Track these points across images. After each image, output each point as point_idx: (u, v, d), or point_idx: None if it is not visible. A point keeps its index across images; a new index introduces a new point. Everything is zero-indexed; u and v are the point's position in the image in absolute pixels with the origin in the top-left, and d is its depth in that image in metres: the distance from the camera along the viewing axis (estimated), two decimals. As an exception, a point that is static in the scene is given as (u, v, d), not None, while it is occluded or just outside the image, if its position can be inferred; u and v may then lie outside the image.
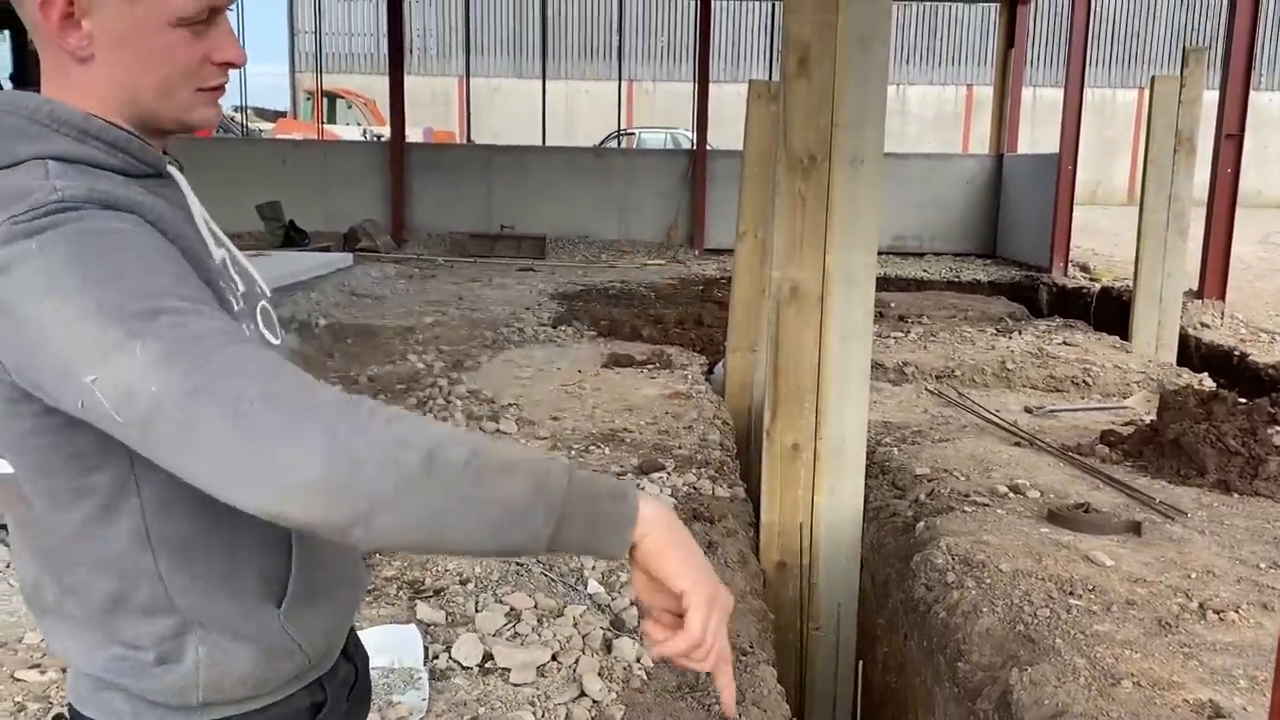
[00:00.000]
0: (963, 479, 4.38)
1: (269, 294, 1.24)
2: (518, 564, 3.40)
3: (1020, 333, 8.37)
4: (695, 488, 4.33)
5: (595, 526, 0.94)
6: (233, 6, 1.10)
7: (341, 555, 1.22)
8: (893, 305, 9.87)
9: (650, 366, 6.76)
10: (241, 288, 1.15)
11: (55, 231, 0.91)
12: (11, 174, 0.97)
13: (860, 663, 3.95)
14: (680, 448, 4.90)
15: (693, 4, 16.21)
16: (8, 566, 3.27)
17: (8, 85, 8.14)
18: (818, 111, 3.88)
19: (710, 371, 7.16)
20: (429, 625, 2.93)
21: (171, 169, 1.12)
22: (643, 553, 0.96)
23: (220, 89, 1.10)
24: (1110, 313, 10.11)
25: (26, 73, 8.02)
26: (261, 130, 23.85)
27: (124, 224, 0.94)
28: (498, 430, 5.10)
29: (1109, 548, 3.56)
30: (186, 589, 1.05)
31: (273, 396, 0.85)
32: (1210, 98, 8.39)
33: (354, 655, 1.31)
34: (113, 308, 0.87)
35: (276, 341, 1.19)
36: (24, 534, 1.09)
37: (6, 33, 8.20)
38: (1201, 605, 3.11)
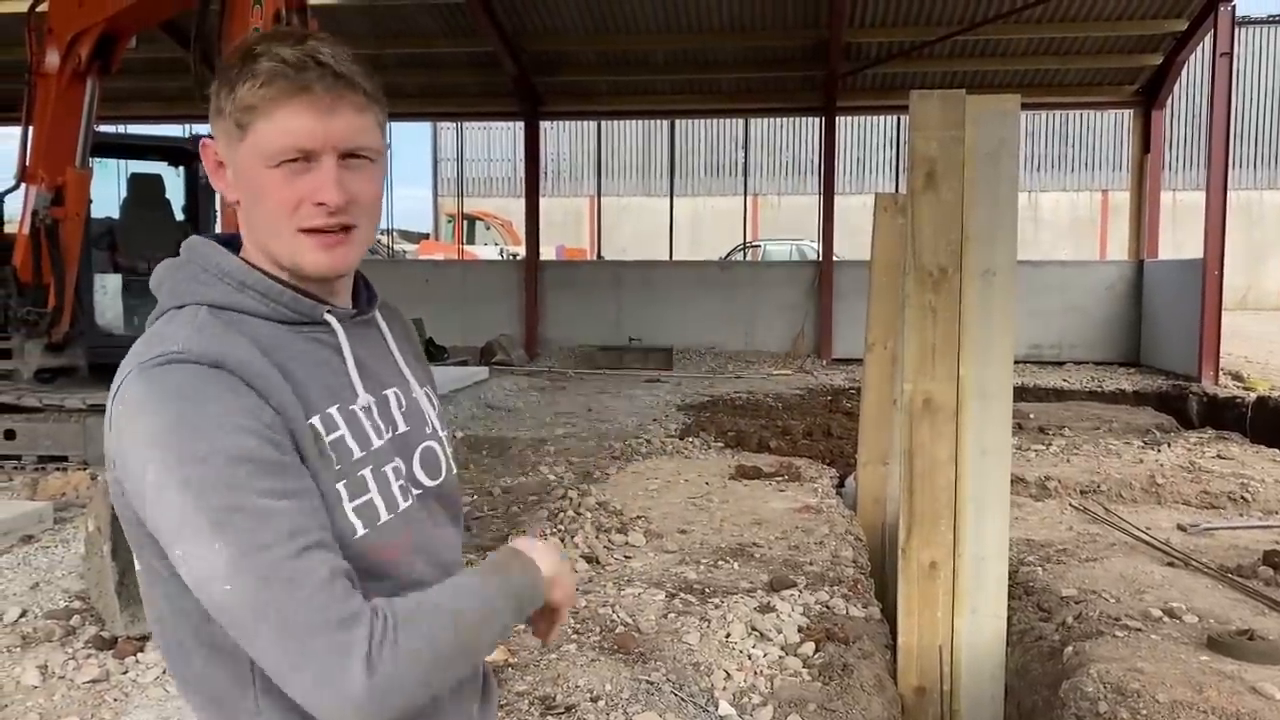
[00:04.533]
0: (1112, 601, 4.16)
1: (440, 432, 1.32)
2: (648, 682, 3.37)
3: (1170, 445, 7.96)
4: (828, 606, 4.23)
5: (532, 606, 1.22)
6: (360, 153, 1.16)
7: (449, 701, 1.24)
8: (1032, 416, 9.55)
9: (779, 479, 6.70)
10: (403, 428, 1.25)
11: (162, 384, 1.06)
12: (179, 314, 1.15)
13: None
14: (811, 564, 4.82)
15: (818, 122, 16.51)
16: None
17: (180, 217, 8.84)
18: (946, 225, 3.89)
19: (841, 485, 7.04)
20: (560, 742, 2.93)
21: (330, 318, 1.21)
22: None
23: (325, 232, 1.15)
24: (1268, 423, 9.56)
25: (198, 208, 8.70)
26: (406, 251, 25.15)
27: (223, 387, 1.06)
28: (626, 543, 5.12)
29: (1279, 679, 3.30)
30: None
31: (314, 626, 1.00)
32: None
33: None
34: (199, 491, 1.01)
35: (432, 483, 1.27)
36: None
37: (181, 169, 8.95)
38: (1391, 747, 2.84)
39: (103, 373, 7.98)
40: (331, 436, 1.14)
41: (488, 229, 26.64)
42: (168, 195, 8.85)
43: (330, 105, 1.12)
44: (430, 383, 1.38)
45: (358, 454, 1.16)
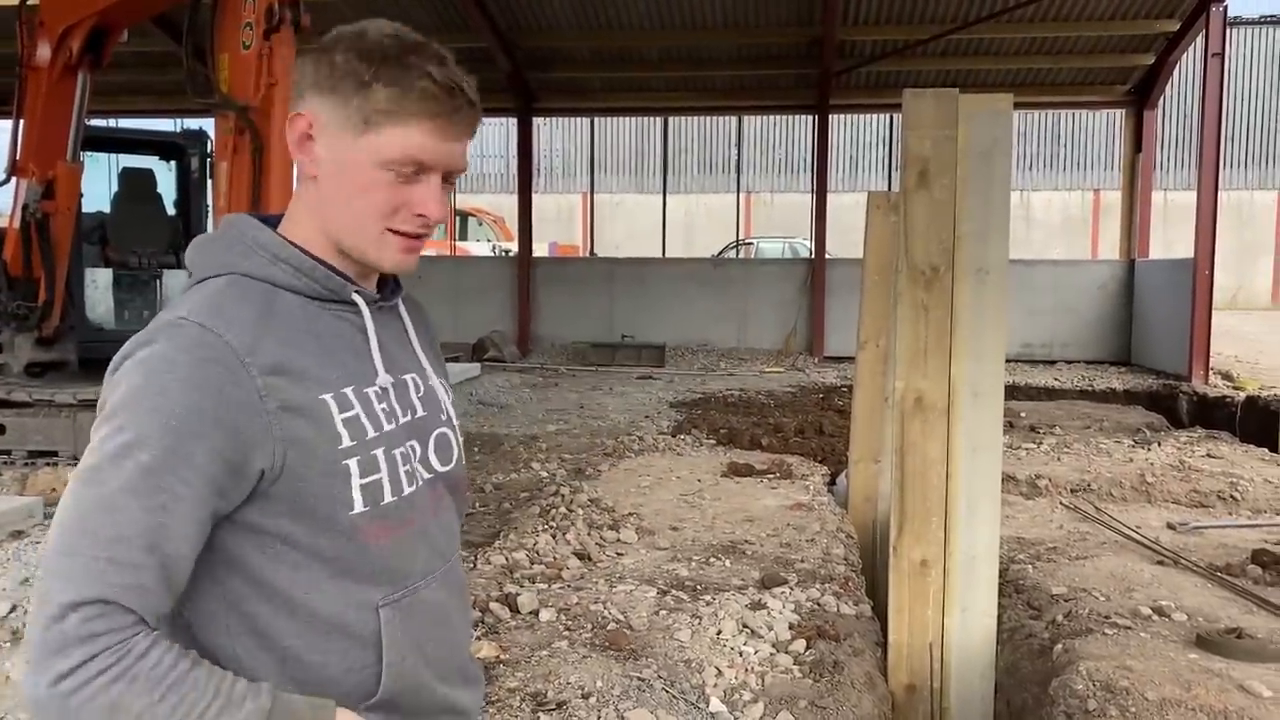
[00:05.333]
0: (1102, 599, 4.18)
1: (454, 420, 1.36)
2: (639, 679, 3.37)
3: (1160, 444, 7.99)
4: (819, 604, 4.23)
5: None
6: (455, 175, 1.23)
7: (444, 686, 1.29)
8: (1023, 415, 9.58)
9: (770, 476, 6.71)
10: (422, 412, 1.28)
11: (145, 347, 1.11)
12: (208, 284, 1.18)
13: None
14: (803, 561, 4.82)
15: (811, 120, 16.53)
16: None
17: (172, 211, 8.82)
18: (939, 224, 3.89)
19: (833, 482, 7.05)
20: (551, 739, 2.93)
21: (358, 298, 1.24)
22: None
23: (413, 237, 1.22)
24: (1257, 423, 9.60)
25: (189, 203, 8.67)
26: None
27: (196, 358, 1.09)
28: (618, 539, 5.12)
29: (1266, 677, 3.32)
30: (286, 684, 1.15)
31: (61, 618, 1.01)
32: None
33: None
34: (90, 455, 1.07)
35: (443, 468, 1.31)
36: None
37: (173, 163, 8.93)
38: (1377, 745, 2.86)
39: (93, 367, 7.95)
40: (345, 415, 1.17)
41: (480, 225, 26.60)
42: (159, 190, 8.83)
43: (458, 134, 1.20)
44: (445, 375, 1.41)
45: (372, 433, 1.19)
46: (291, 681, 1.13)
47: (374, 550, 1.19)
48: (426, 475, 1.27)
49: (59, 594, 1.01)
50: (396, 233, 1.19)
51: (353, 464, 1.16)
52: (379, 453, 1.19)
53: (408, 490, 1.22)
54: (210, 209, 8.53)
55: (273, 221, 1.26)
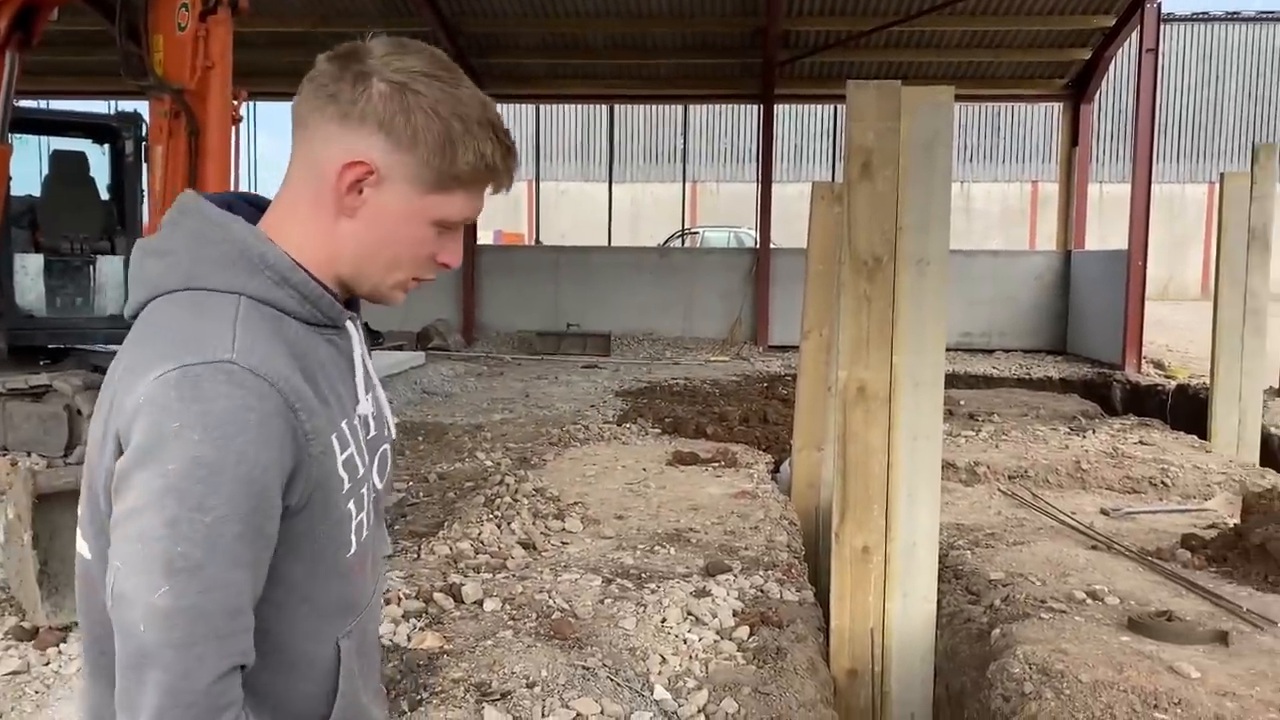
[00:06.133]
0: (1038, 584, 4.27)
1: (393, 434, 1.33)
2: (584, 668, 3.38)
3: (1094, 431, 8.19)
4: (763, 590, 4.27)
5: None
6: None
7: (373, 707, 1.30)
8: (962, 403, 9.74)
9: (715, 465, 6.74)
10: (373, 432, 1.24)
11: (203, 400, 1.01)
12: (212, 303, 1.08)
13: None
14: (747, 549, 4.86)
15: (756, 110, 16.60)
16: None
17: (105, 196, 8.58)
18: (882, 215, 3.93)
19: (777, 470, 7.11)
20: (496, 729, 2.92)
21: (349, 324, 1.21)
22: None
23: (421, 283, 1.21)
24: (1187, 411, 9.86)
25: (124, 187, 8.45)
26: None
27: (263, 415, 1.03)
28: (564, 529, 5.12)
29: (1195, 658, 3.42)
30: None
31: (195, 705, 1.00)
32: (1282, 193, 8.28)
33: None
34: (178, 535, 0.99)
35: (380, 486, 1.28)
36: None
37: (106, 146, 8.69)
38: (1297, 722, 2.96)
39: (23, 355, 7.73)
40: (345, 455, 1.14)
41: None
42: (92, 173, 8.58)
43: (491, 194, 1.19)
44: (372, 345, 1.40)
45: (361, 470, 1.17)
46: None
47: (351, 587, 1.20)
48: (370, 497, 1.24)
49: (188, 684, 1.00)
50: (416, 279, 1.20)
51: (351, 505, 1.15)
52: (364, 489, 1.18)
53: (371, 519, 1.22)
54: (146, 194, 8.34)
55: (224, 201, 1.17)
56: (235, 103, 4.93)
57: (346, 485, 1.14)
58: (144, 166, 7.03)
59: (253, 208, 1.19)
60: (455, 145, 1.10)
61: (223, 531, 1.00)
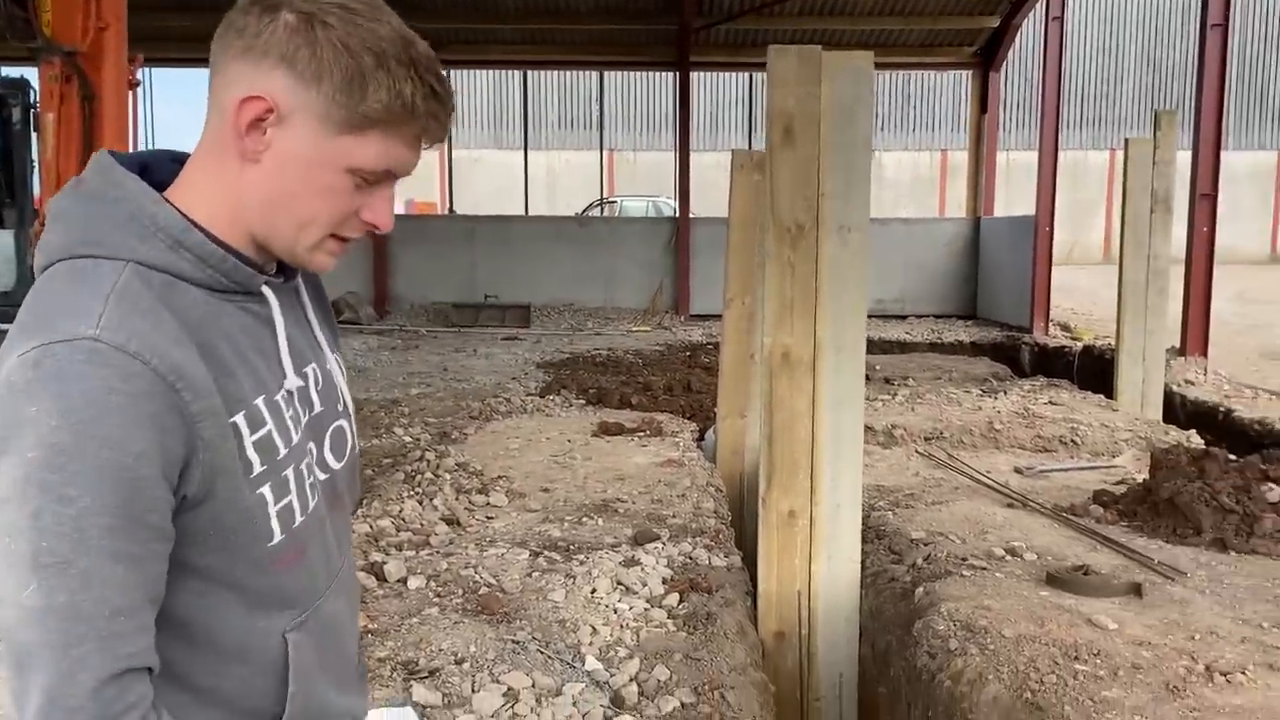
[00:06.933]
0: (959, 542, 4.36)
1: (349, 406, 1.23)
2: (514, 642, 3.33)
3: (1005, 393, 8.40)
4: (691, 557, 4.28)
5: None
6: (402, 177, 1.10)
7: (341, 697, 1.22)
8: (878, 368, 9.90)
9: (641, 434, 6.73)
10: (319, 408, 1.16)
11: (60, 381, 0.92)
12: (95, 271, 0.98)
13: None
14: (674, 517, 4.86)
15: (671, 76, 16.52)
16: None
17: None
18: (804, 181, 3.93)
19: (702, 438, 7.13)
20: (426, 707, 2.86)
21: (266, 289, 1.10)
22: None
23: (348, 243, 1.10)
24: (1093, 371, 10.19)
25: (11, 154, 8.03)
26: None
27: (132, 396, 0.93)
28: (488, 503, 5.05)
29: (1111, 610, 3.53)
30: (178, 708, 1.04)
31: (66, 711, 0.92)
32: (1183, 158, 8.55)
33: None
34: (43, 528, 0.91)
35: (338, 465, 1.20)
36: None
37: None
38: (1208, 667, 3.07)
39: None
40: (257, 435, 1.04)
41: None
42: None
43: (432, 142, 1.09)
44: (337, 345, 1.28)
45: (283, 452, 1.07)
46: (186, 707, 1.04)
47: (285, 577, 1.10)
48: (323, 476, 1.17)
49: (70, 688, 0.92)
50: (337, 238, 1.09)
51: (267, 490, 1.05)
52: (289, 472, 1.08)
53: (312, 504, 1.13)
54: (36, 163, 7.94)
55: (151, 173, 1.07)
56: (131, 67, 4.69)
57: (258, 469, 1.04)
58: (33, 135, 6.68)
59: (176, 165, 1.09)
60: (366, 82, 1.00)
61: (90, 524, 0.91)
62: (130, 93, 4.64)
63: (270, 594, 1.09)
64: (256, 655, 1.09)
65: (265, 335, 1.09)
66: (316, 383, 1.17)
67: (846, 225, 3.96)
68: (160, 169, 1.08)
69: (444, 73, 1.07)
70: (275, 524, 1.07)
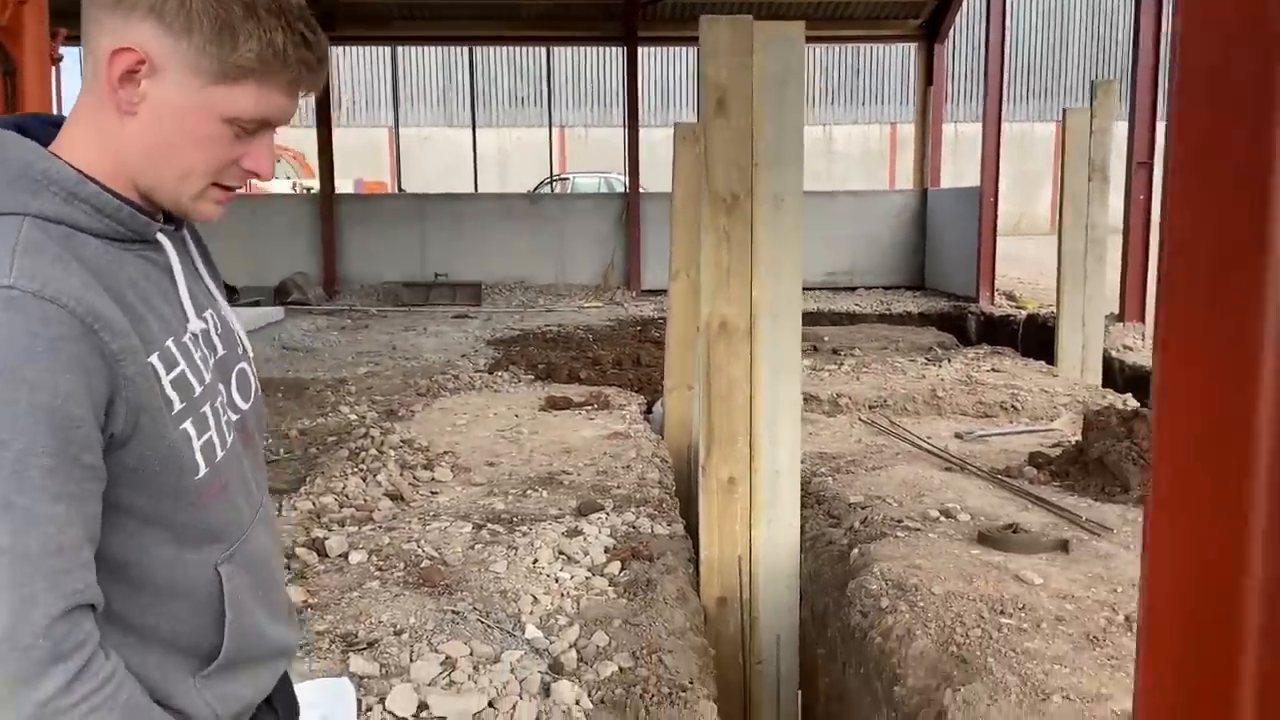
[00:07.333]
0: (895, 505, 4.44)
1: (249, 350, 1.29)
2: (454, 612, 3.36)
3: (950, 361, 8.53)
4: (634, 526, 4.32)
5: None
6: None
7: (274, 626, 1.27)
8: (826, 339, 10.00)
9: (588, 408, 6.76)
10: (222, 351, 1.20)
11: None
12: (4, 226, 1.00)
13: (800, 694, 3.95)
14: (619, 487, 4.90)
15: (620, 52, 16.46)
16: None
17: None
18: (738, 151, 3.96)
19: (649, 411, 7.18)
20: (362, 678, 2.88)
21: (161, 236, 1.13)
22: None
23: (233, 192, 1.14)
24: (1037, 339, 10.37)
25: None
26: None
27: (54, 338, 0.96)
28: (433, 478, 5.06)
29: (1038, 566, 3.62)
30: (120, 649, 1.08)
31: (31, 648, 0.95)
32: (1121, 128, 8.70)
33: (278, 706, 1.33)
34: None
35: (246, 406, 1.24)
36: None
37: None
38: (1127, 618, 3.17)
39: None
40: (173, 374, 1.08)
41: (279, 161, 25.31)
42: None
43: (306, 91, 1.12)
44: (225, 296, 1.32)
45: (198, 390, 1.11)
46: (128, 648, 1.08)
47: (210, 510, 1.14)
48: (234, 417, 1.21)
49: (22, 627, 0.94)
50: (220, 186, 1.12)
51: (189, 426, 1.09)
52: (207, 409, 1.12)
53: (229, 440, 1.17)
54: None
55: (30, 133, 1.09)
56: (54, 42, 4.60)
57: (178, 406, 1.08)
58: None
59: (53, 128, 1.11)
60: (236, 32, 1.03)
61: (29, 464, 0.94)
62: (54, 68, 4.56)
63: (199, 528, 1.13)
64: (191, 589, 1.14)
65: (165, 281, 1.13)
66: (216, 327, 1.21)
67: (780, 194, 4.00)
68: (38, 131, 1.10)
69: (309, 15, 1.10)
70: (200, 458, 1.11)
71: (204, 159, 1.08)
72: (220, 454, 1.15)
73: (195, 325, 1.14)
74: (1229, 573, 0.66)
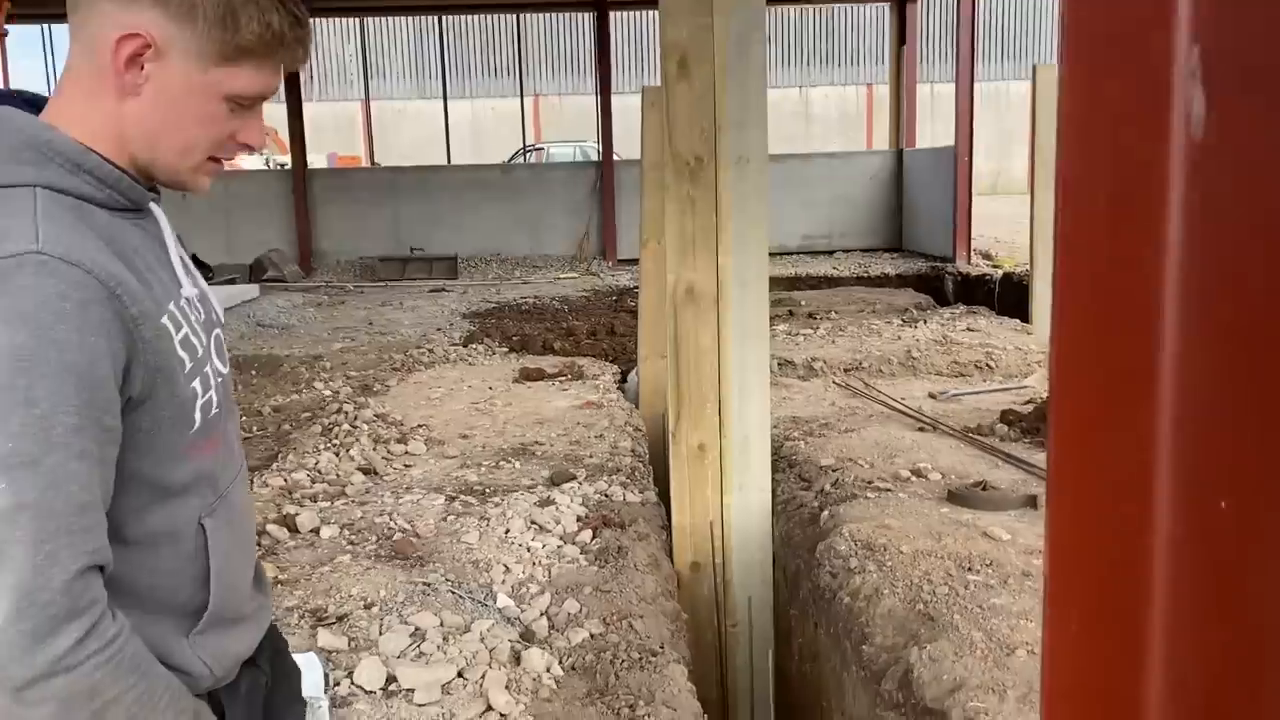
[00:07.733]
0: (866, 466, 4.46)
1: (221, 319, 1.34)
2: (425, 584, 3.36)
3: (925, 322, 8.55)
4: (606, 495, 4.33)
5: None
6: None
7: (252, 587, 1.34)
8: (803, 303, 9.99)
9: (562, 379, 6.74)
10: (204, 315, 1.25)
11: (16, 290, 0.99)
12: (7, 198, 1.05)
13: (771, 655, 3.98)
14: (592, 457, 4.90)
15: (591, 18, 16.30)
16: None
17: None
18: (700, 114, 3.93)
19: (623, 380, 7.17)
20: (331, 652, 2.88)
21: (153, 207, 1.20)
22: None
23: (222, 164, 1.20)
24: (1013, 298, 10.39)
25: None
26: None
27: (83, 301, 1.01)
28: (406, 452, 5.04)
29: (1006, 523, 3.65)
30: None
31: (49, 602, 0.98)
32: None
33: (260, 662, 1.38)
34: (9, 429, 0.97)
35: (225, 370, 1.30)
36: None
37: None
38: (1093, 571, 3.20)
39: None
40: (180, 335, 1.14)
41: (253, 139, 25.00)
42: None
43: (293, 67, 1.18)
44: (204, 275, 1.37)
45: (200, 350, 1.17)
46: (126, 610, 1.11)
47: (198, 464, 1.19)
48: (217, 380, 1.25)
49: (42, 583, 0.97)
50: (215, 160, 1.18)
51: (197, 384, 1.16)
52: (208, 368, 1.19)
53: (218, 400, 1.23)
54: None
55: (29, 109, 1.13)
56: None
57: (189, 365, 1.14)
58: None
59: (31, 105, 1.14)
60: (237, 16, 1.09)
61: (56, 423, 0.98)
62: (0, 43, 4.47)
63: (185, 481, 1.18)
64: (178, 541, 1.18)
65: (158, 248, 1.19)
66: (198, 292, 1.26)
67: (745, 156, 3.98)
68: (20, 109, 1.13)
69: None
70: (198, 414, 1.17)
71: (205, 135, 1.14)
72: (215, 410, 1.21)
73: (189, 290, 1.20)
74: (1133, 528, 0.65)
